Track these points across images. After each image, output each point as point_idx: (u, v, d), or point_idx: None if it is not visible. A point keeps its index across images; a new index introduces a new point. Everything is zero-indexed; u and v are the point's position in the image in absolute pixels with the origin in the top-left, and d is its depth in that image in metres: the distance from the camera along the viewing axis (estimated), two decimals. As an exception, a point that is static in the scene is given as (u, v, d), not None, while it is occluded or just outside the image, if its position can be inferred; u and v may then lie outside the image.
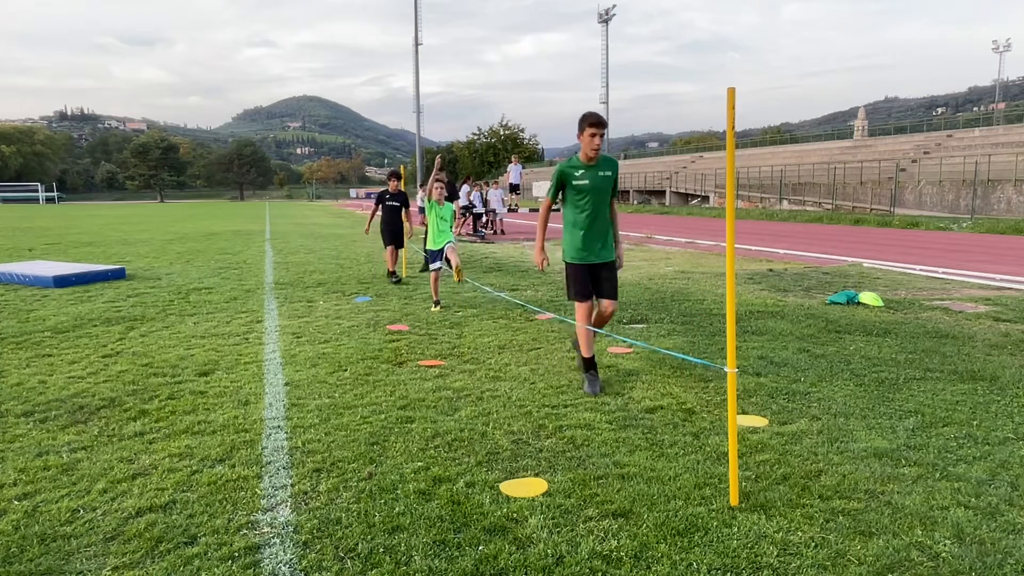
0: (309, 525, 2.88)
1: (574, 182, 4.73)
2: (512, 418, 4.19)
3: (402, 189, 11.12)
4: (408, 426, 4.06)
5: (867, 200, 35.29)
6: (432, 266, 8.15)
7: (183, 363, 5.56)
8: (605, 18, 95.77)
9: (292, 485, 3.28)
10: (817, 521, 2.87)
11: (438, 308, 7.93)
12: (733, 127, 2.82)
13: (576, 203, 4.78)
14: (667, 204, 51.27)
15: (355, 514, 2.97)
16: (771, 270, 11.57)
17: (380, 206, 11.01)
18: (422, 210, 9.51)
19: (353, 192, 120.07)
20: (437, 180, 8.12)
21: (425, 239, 8.90)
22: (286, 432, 3.98)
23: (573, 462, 3.52)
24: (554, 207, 5.07)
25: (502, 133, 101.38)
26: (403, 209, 10.96)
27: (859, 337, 6.28)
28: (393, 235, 10.77)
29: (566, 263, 4.92)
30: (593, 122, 4.58)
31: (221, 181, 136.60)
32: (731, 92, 2.84)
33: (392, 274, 10.60)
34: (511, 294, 9.00)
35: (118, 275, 10.99)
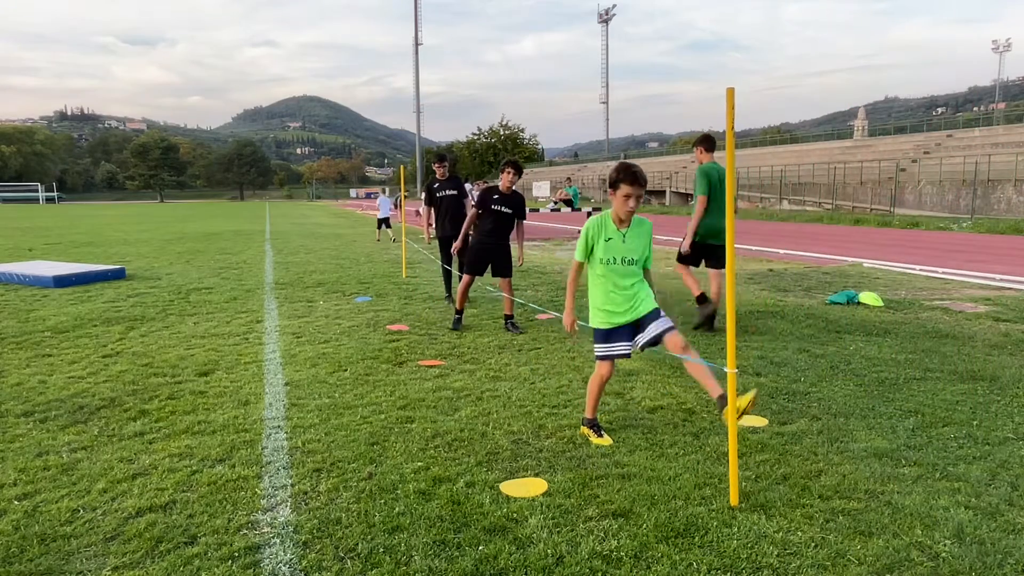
0: (309, 525, 2.88)
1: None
2: (512, 418, 4.19)
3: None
4: (408, 426, 4.06)
5: (867, 200, 35.30)
6: (601, 350, 3.80)
7: (183, 363, 5.56)
8: (605, 18, 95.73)
9: (292, 485, 3.27)
10: (817, 521, 2.87)
11: (604, 439, 3.81)
12: (733, 127, 2.82)
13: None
14: (667, 204, 51.28)
15: (355, 514, 2.97)
16: (771, 270, 11.57)
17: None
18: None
19: (353, 192, 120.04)
20: (632, 173, 3.61)
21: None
22: (286, 432, 3.98)
23: (573, 462, 3.52)
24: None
25: (502, 133, 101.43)
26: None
27: (859, 337, 6.28)
28: (454, 237, 7.53)
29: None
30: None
31: (221, 181, 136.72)
32: (730, 92, 2.84)
33: (459, 316, 6.87)
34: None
35: (118, 275, 10.99)
